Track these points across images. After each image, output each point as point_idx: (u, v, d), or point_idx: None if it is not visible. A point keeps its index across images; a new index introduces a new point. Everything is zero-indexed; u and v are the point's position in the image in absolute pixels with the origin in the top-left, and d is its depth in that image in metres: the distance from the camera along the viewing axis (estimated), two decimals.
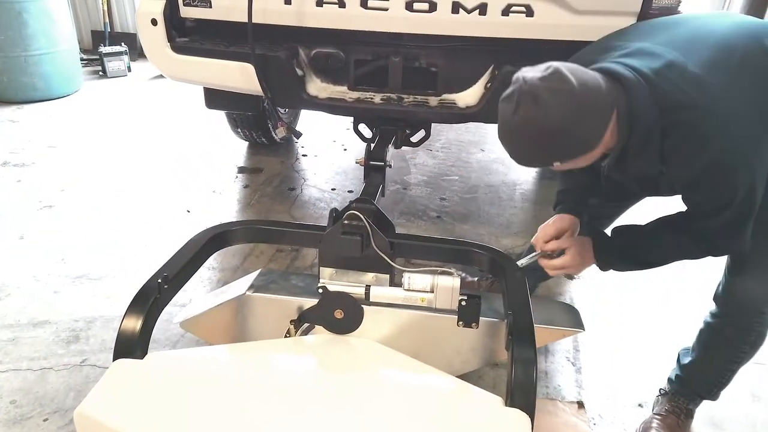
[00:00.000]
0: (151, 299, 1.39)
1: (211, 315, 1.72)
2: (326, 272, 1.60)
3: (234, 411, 1.21)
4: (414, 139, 2.46)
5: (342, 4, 2.08)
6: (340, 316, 1.54)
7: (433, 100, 2.24)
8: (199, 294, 2.26)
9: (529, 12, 2.00)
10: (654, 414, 1.78)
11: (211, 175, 3.41)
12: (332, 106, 2.28)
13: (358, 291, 1.54)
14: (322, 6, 2.10)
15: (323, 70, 2.30)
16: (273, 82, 2.20)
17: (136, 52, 5.46)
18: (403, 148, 2.46)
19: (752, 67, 1.32)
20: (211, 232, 1.70)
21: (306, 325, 1.59)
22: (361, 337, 1.56)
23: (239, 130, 3.47)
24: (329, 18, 2.12)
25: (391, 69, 2.22)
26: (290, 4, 2.11)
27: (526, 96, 1.20)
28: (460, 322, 1.52)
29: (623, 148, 1.32)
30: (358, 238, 1.50)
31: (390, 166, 2.18)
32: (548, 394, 1.91)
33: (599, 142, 1.27)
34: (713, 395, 1.71)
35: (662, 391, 1.82)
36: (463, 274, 2.24)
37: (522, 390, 1.23)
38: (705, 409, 1.80)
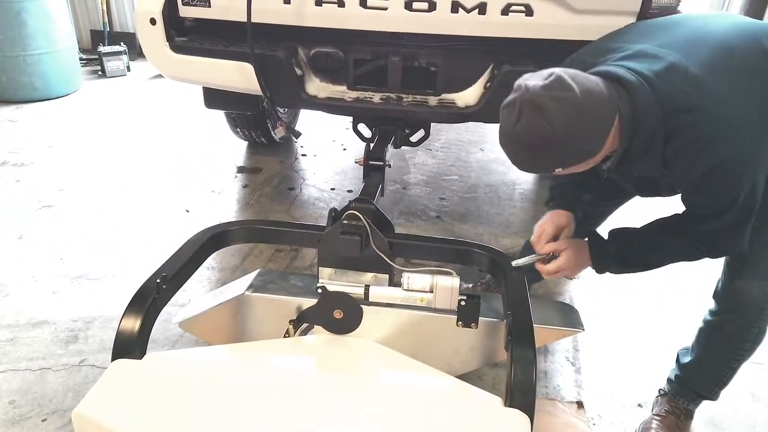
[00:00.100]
0: (149, 299, 1.39)
1: (210, 315, 1.71)
2: (325, 272, 1.60)
3: (233, 411, 1.21)
4: (413, 138, 2.45)
5: (341, 4, 2.08)
6: (339, 316, 1.54)
7: (433, 100, 2.24)
8: (198, 294, 2.26)
9: (529, 11, 1.99)
10: (653, 414, 1.78)
11: (211, 175, 3.41)
12: (331, 106, 2.27)
13: (358, 291, 1.54)
14: (321, 5, 2.09)
15: (322, 70, 2.29)
16: (272, 81, 2.19)
17: (136, 51, 5.46)
18: (403, 147, 2.46)
19: (752, 69, 1.32)
20: (210, 231, 1.70)
21: (305, 325, 1.59)
22: (360, 338, 1.55)
23: (238, 129, 3.47)
24: (328, 17, 2.12)
25: (390, 68, 2.22)
26: (289, 3, 2.10)
27: (529, 105, 1.19)
28: (460, 322, 1.52)
29: (625, 151, 1.32)
30: (357, 238, 1.50)
31: (389, 166, 2.18)
32: (548, 394, 1.91)
33: (602, 148, 1.27)
34: (713, 395, 1.71)
35: (662, 392, 1.81)
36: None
37: (521, 390, 1.23)
38: (704, 410, 1.80)
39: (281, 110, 3.41)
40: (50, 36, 4.51)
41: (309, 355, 1.53)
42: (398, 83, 2.24)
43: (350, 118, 2.51)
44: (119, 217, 2.91)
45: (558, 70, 1.22)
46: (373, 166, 2.13)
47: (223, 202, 3.13)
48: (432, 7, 2.03)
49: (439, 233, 2.83)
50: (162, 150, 3.75)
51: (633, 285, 2.41)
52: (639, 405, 1.88)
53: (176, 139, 3.93)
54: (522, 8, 1.99)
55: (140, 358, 1.33)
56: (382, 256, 1.53)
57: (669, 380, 1.80)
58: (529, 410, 1.20)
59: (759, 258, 1.47)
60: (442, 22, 2.05)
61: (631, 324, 2.25)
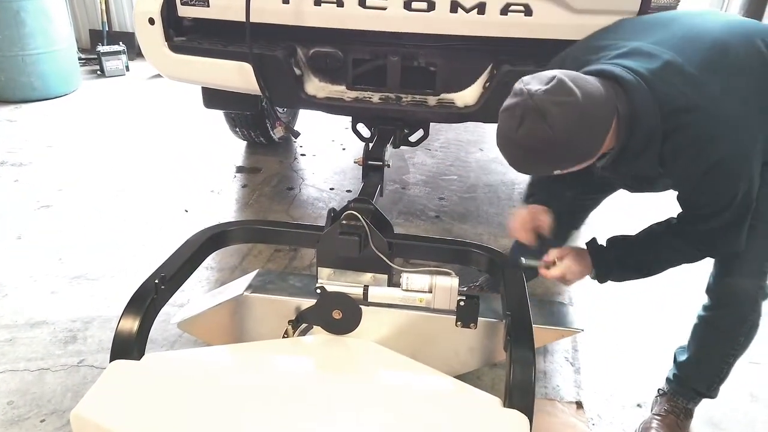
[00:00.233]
0: (148, 300, 1.39)
1: (209, 315, 1.71)
2: (324, 272, 1.60)
3: (232, 412, 1.21)
4: (412, 138, 2.45)
5: (340, 3, 2.07)
6: (338, 316, 1.54)
7: (432, 100, 2.24)
8: (197, 294, 2.26)
9: (528, 11, 1.99)
10: (653, 414, 1.78)
11: (210, 175, 3.40)
12: (330, 106, 2.27)
13: (357, 291, 1.54)
14: (320, 5, 2.09)
15: (321, 70, 2.29)
16: (271, 81, 2.19)
17: (134, 51, 5.45)
18: (402, 147, 2.45)
19: (746, 68, 1.32)
20: (209, 232, 1.70)
21: (304, 325, 1.59)
22: (359, 338, 1.55)
23: (237, 129, 3.47)
24: (327, 17, 2.12)
25: (389, 68, 2.22)
26: (288, 3, 2.10)
27: (532, 111, 1.19)
28: (459, 323, 1.51)
29: (622, 149, 1.32)
30: (356, 239, 1.50)
31: (388, 166, 2.18)
32: (547, 394, 1.90)
33: (600, 149, 1.27)
34: (712, 392, 1.71)
35: (661, 392, 1.81)
36: None
37: (520, 391, 1.23)
38: (704, 409, 1.80)
39: (280, 110, 3.40)
40: (49, 35, 4.51)
41: (308, 356, 1.53)
42: (397, 83, 2.23)
43: (349, 118, 2.51)
44: (118, 217, 2.91)
45: (559, 74, 1.21)
46: (372, 166, 2.13)
47: (222, 202, 3.13)
48: (431, 6, 2.03)
49: (438, 233, 2.83)
50: (161, 150, 3.74)
51: (632, 285, 2.38)
52: (638, 405, 1.88)
53: (175, 138, 3.93)
54: (521, 8, 1.99)
55: (139, 359, 1.33)
56: (381, 256, 1.53)
57: (668, 379, 1.80)
58: (528, 410, 1.20)
59: (749, 252, 1.47)
60: (441, 21, 2.05)
61: (631, 324, 2.25)
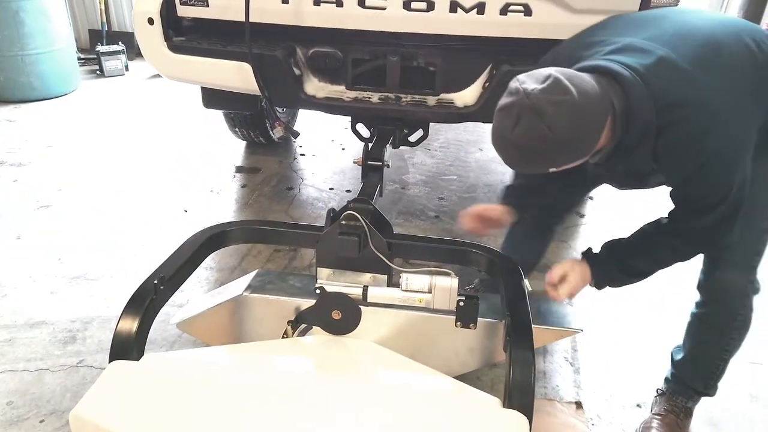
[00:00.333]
0: (147, 300, 1.38)
1: (208, 316, 1.71)
2: (324, 273, 1.59)
3: (231, 412, 1.21)
4: (412, 138, 2.45)
5: (339, 3, 2.07)
6: (338, 316, 1.54)
7: (431, 100, 2.24)
8: (197, 294, 2.25)
9: (528, 11, 1.99)
10: (653, 414, 1.78)
11: (209, 175, 3.40)
12: (330, 106, 2.27)
13: (356, 291, 1.54)
14: (319, 5, 2.09)
15: (321, 70, 2.29)
16: (270, 81, 2.19)
17: (134, 51, 5.44)
18: (401, 147, 2.45)
19: (738, 65, 1.33)
20: (208, 232, 1.70)
21: (303, 325, 1.59)
22: (358, 338, 1.55)
23: (237, 129, 3.47)
24: (327, 17, 2.12)
25: (388, 68, 2.22)
26: (287, 3, 2.10)
27: (528, 110, 1.18)
28: (458, 323, 1.51)
29: (616, 145, 1.32)
30: (355, 239, 1.50)
31: (388, 166, 2.18)
32: (546, 395, 1.90)
33: (596, 146, 1.28)
34: (709, 389, 1.71)
35: (659, 392, 1.81)
36: None
37: (520, 391, 1.23)
38: (703, 409, 1.80)
39: (280, 110, 3.40)
40: (48, 35, 4.50)
41: (307, 356, 1.53)
42: (397, 83, 2.23)
43: (349, 118, 2.50)
44: (118, 217, 2.91)
45: (554, 72, 1.21)
46: (371, 166, 2.13)
47: (221, 202, 3.13)
48: (430, 6, 2.03)
49: (437, 233, 2.83)
50: (160, 150, 3.74)
51: (632, 285, 2.39)
52: (638, 405, 1.88)
53: (175, 138, 3.93)
54: (521, 8, 1.99)
55: (138, 360, 1.32)
56: (381, 256, 1.53)
57: (666, 379, 1.80)
58: (527, 411, 1.20)
59: (737, 246, 1.48)
60: (440, 21, 2.05)
61: (631, 324, 2.25)
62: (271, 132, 3.45)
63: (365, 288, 1.53)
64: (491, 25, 2.03)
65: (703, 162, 1.28)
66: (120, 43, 5.38)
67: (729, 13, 4.75)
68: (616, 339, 2.17)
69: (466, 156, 3.79)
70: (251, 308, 1.70)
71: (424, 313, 1.58)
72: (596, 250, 1.59)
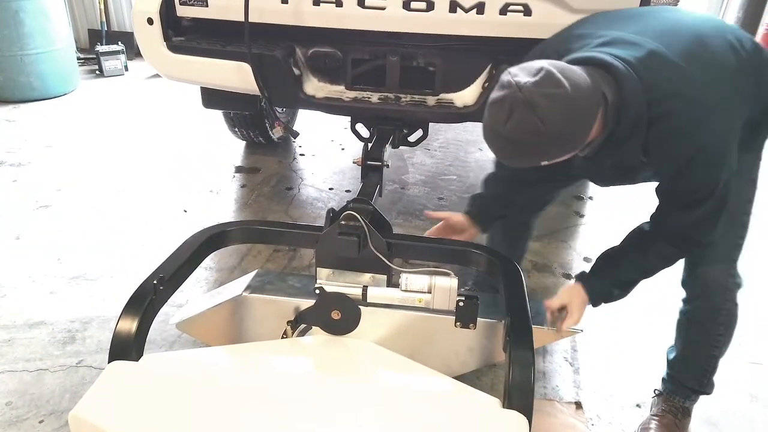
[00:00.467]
0: (147, 300, 1.38)
1: (208, 316, 1.71)
2: (323, 273, 1.59)
3: (230, 413, 1.21)
4: (411, 138, 2.44)
5: (339, 3, 2.07)
6: (337, 317, 1.54)
7: (431, 100, 2.24)
8: (196, 294, 2.25)
9: (527, 11, 1.99)
10: (651, 415, 1.78)
11: (209, 175, 3.40)
12: (329, 106, 2.27)
13: (356, 292, 1.53)
14: (319, 5, 2.09)
15: (320, 70, 2.29)
16: (270, 81, 2.19)
17: (133, 51, 5.45)
18: (401, 147, 2.45)
19: (724, 60, 1.34)
20: (207, 232, 1.69)
21: (303, 326, 1.59)
22: (358, 338, 1.55)
23: (236, 129, 3.47)
24: (326, 17, 2.11)
25: (388, 68, 2.21)
26: (287, 3, 2.10)
27: (521, 103, 1.17)
28: (458, 323, 1.51)
29: (606, 138, 1.32)
30: (355, 239, 1.50)
31: (387, 166, 2.17)
32: (546, 395, 1.90)
33: (587, 139, 1.27)
34: (704, 387, 1.71)
35: (657, 392, 1.81)
36: None
37: (520, 391, 1.23)
38: (702, 409, 1.80)
39: (279, 110, 3.40)
40: (48, 35, 4.50)
41: (307, 356, 1.52)
42: (396, 83, 2.23)
43: (348, 118, 2.50)
44: (117, 217, 2.90)
45: (546, 65, 1.20)
46: (371, 166, 2.13)
47: (221, 202, 3.13)
48: (430, 6, 2.03)
49: None
50: (160, 150, 3.74)
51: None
52: (637, 405, 1.88)
53: (174, 138, 3.93)
54: (520, 8, 1.99)
55: (137, 360, 1.32)
56: (380, 256, 1.52)
57: (663, 380, 1.80)
58: (527, 411, 1.20)
59: (718, 241, 1.48)
60: (440, 21, 2.05)
61: (630, 324, 2.25)
62: (270, 132, 3.45)
63: (365, 288, 1.53)
64: (491, 25, 2.03)
65: (694, 155, 1.29)
66: (119, 43, 5.38)
67: (729, 13, 4.76)
68: (616, 339, 2.17)
69: (465, 156, 3.79)
70: (251, 308, 1.70)
71: (424, 313, 1.58)
72: (587, 269, 1.61)
